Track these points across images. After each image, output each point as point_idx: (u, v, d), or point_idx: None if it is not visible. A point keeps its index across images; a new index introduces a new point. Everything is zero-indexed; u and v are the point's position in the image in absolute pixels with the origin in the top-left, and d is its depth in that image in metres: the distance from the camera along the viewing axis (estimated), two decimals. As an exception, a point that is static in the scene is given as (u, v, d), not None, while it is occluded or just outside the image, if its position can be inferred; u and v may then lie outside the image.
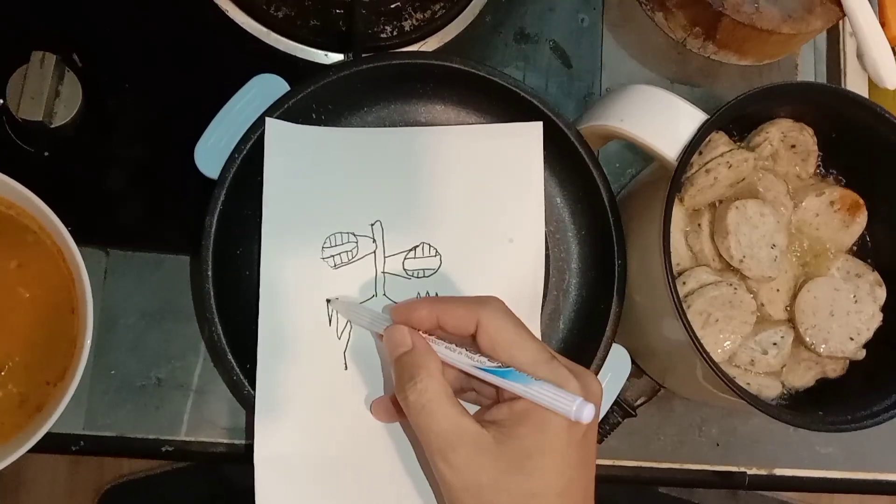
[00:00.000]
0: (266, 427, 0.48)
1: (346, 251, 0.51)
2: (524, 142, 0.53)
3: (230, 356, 0.48)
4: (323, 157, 0.51)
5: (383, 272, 0.51)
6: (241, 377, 0.48)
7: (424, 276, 0.52)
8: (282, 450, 0.48)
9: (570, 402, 0.38)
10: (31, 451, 0.47)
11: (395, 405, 0.47)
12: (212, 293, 0.48)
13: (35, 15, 0.56)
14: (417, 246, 0.52)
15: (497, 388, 0.43)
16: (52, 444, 0.51)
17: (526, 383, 0.40)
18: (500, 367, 0.41)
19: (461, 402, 0.42)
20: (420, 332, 0.44)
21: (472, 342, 0.43)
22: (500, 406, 0.41)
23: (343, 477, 0.49)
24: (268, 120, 0.50)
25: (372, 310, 0.49)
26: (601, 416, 0.54)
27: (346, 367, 0.50)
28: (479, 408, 0.46)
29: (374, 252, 0.51)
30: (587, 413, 0.38)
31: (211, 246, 0.49)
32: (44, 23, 0.56)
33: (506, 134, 0.54)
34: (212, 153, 0.50)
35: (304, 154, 0.51)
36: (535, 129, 0.53)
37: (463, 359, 0.42)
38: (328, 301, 0.50)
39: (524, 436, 0.40)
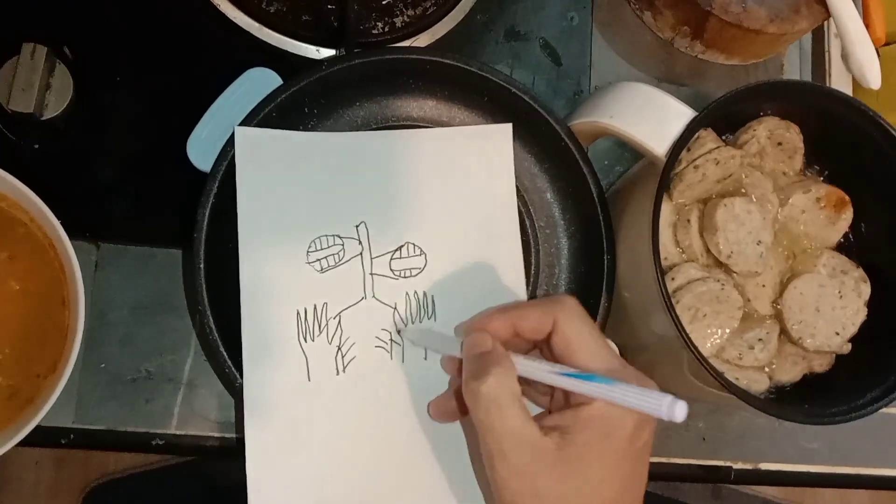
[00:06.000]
0: (258, 438, 0.48)
1: (333, 254, 0.51)
2: (495, 142, 0.54)
3: (222, 349, 0.48)
4: (300, 162, 0.51)
5: (371, 273, 0.51)
6: (233, 369, 0.48)
7: (411, 276, 0.52)
8: (276, 460, 0.48)
9: (659, 401, 0.37)
10: (21, 444, 0.47)
11: (459, 403, 0.47)
12: (203, 286, 0.48)
13: (26, 6, 0.56)
14: (402, 246, 0.52)
15: (565, 393, 0.42)
16: (42, 437, 0.50)
17: (611, 384, 0.39)
18: (581, 371, 0.40)
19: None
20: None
21: (543, 345, 0.44)
22: (564, 412, 0.41)
23: (338, 484, 0.49)
24: (237, 129, 0.50)
25: (443, 333, 0.50)
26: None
27: (336, 373, 0.50)
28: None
29: (361, 254, 0.51)
30: (680, 411, 0.37)
31: (203, 239, 0.49)
32: (35, 14, 0.56)
33: (478, 135, 0.54)
34: (205, 146, 0.50)
35: (280, 159, 0.51)
36: (505, 131, 0.54)
37: (543, 366, 0.42)
38: (398, 332, 0.50)
39: (586, 443, 0.39)
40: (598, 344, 0.42)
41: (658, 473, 0.61)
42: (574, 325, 0.42)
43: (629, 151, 0.62)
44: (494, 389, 0.40)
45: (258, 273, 0.49)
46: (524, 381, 0.45)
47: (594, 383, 0.40)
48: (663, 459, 0.60)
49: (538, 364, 0.42)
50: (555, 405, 0.45)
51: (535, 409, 0.45)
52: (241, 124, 0.50)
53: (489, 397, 0.40)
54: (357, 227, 0.51)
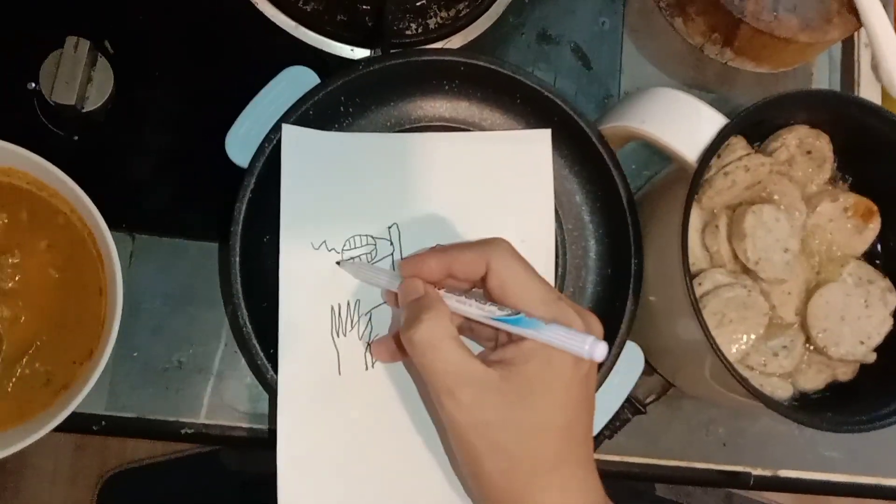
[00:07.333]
0: (289, 429, 0.49)
1: (365, 254, 0.52)
2: (534, 148, 0.54)
3: (255, 341, 0.49)
4: (339, 162, 0.52)
5: None
6: (265, 361, 0.49)
7: None
8: (306, 451, 0.49)
9: (582, 342, 0.40)
10: (55, 430, 0.48)
11: (398, 345, 0.48)
12: (238, 279, 0.49)
13: (69, 1, 0.57)
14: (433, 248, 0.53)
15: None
16: (75, 423, 0.51)
17: (537, 328, 0.41)
18: (510, 315, 0.42)
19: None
20: (432, 286, 0.45)
21: (481, 286, 0.45)
22: (507, 346, 0.42)
23: (366, 477, 0.50)
24: (284, 126, 0.51)
25: (384, 269, 0.50)
26: (612, 412, 0.55)
27: (366, 368, 0.50)
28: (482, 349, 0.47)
29: (392, 255, 0.52)
30: (600, 351, 0.40)
31: (239, 233, 0.49)
32: (78, 9, 0.57)
33: (516, 140, 0.55)
34: (243, 142, 0.51)
35: (321, 159, 0.52)
36: (543, 136, 0.54)
37: (473, 310, 0.43)
38: (338, 263, 0.51)
39: (530, 373, 0.41)
40: (531, 279, 0.43)
41: (677, 477, 0.61)
42: (506, 267, 0.43)
43: (658, 155, 0.62)
44: (427, 334, 0.41)
45: (297, 267, 0.50)
46: (468, 328, 0.47)
47: (521, 327, 0.41)
48: (683, 463, 0.61)
49: (469, 307, 0.43)
50: (500, 341, 0.45)
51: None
52: (279, 121, 0.51)
53: (423, 342, 0.41)
54: (389, 228, 0.52)
